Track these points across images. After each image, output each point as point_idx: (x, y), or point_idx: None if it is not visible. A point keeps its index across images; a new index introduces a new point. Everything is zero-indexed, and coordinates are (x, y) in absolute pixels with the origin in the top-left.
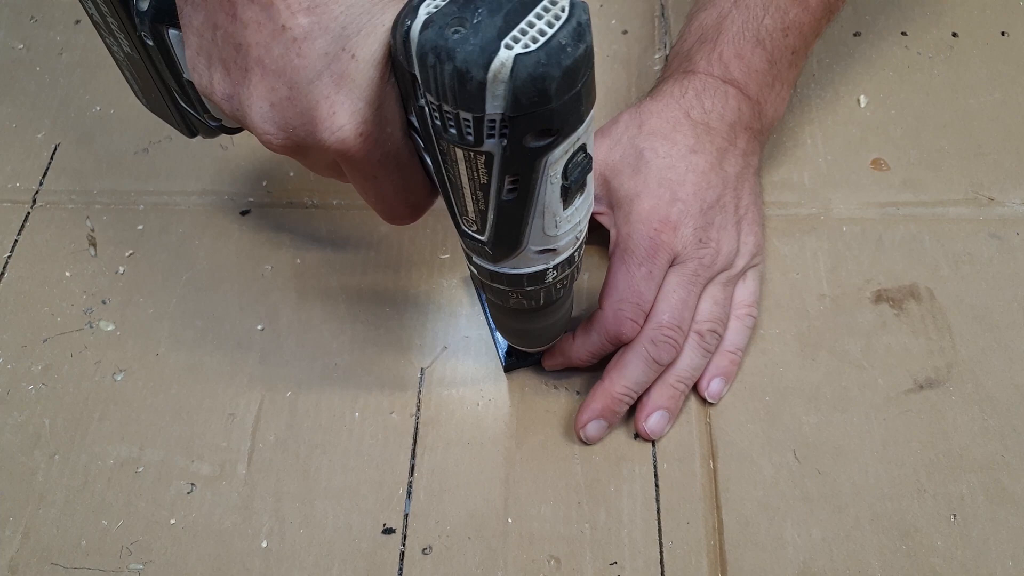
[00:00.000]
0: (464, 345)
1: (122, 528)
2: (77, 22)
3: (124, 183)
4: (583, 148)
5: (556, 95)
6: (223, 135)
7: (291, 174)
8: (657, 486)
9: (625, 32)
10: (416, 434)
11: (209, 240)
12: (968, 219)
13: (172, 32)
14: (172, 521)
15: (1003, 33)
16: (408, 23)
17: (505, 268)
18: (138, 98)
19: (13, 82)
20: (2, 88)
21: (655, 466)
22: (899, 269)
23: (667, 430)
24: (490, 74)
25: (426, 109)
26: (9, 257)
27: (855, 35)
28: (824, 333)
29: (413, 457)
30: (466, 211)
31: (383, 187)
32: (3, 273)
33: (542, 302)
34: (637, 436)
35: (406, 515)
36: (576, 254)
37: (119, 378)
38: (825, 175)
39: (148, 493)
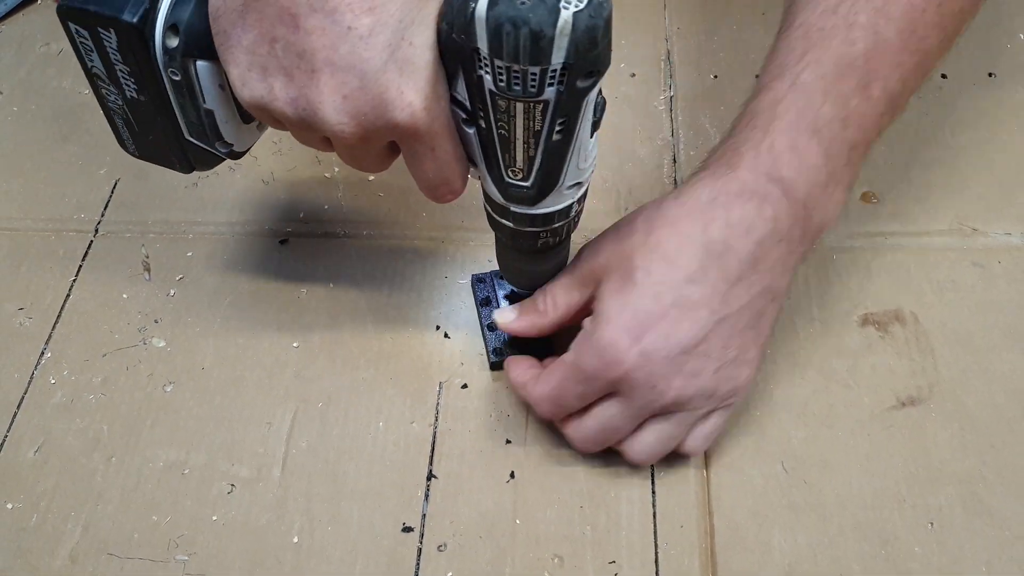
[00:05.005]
0: (479, 362)
1: (170, 523)
2: None
3: (176, 214)
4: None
5: (601, 41)
6: (225, 163)
7: (326, 207)
8: (654, 492)
9: (633, 75)
10: (434, 442)
11: (251, 266)
12: (952, 248)
13: (200, 63)
14: (214, 518)
15: (990, 75)
16: (472, 6)
17: (542, 208)
18: (123, 145)
19: (79, 124)
20: (70, 129)
21: (652, 474)
22: (885, 295)
23: None
24: (557, 31)
25: (487, 75)
26: (74, 281)
27: None
28: (813, 353)
29: (431, 463)
30: (514, 162)
31: (440, 155)
32: (68, 295)
33: (564, 235)
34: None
35: (424, 515)
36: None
37: (169, 389)
38: None
39: (193, 492)
